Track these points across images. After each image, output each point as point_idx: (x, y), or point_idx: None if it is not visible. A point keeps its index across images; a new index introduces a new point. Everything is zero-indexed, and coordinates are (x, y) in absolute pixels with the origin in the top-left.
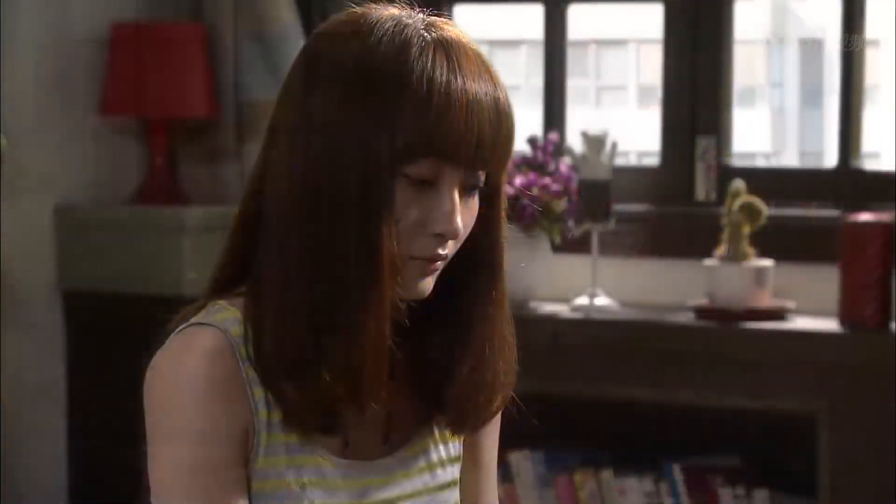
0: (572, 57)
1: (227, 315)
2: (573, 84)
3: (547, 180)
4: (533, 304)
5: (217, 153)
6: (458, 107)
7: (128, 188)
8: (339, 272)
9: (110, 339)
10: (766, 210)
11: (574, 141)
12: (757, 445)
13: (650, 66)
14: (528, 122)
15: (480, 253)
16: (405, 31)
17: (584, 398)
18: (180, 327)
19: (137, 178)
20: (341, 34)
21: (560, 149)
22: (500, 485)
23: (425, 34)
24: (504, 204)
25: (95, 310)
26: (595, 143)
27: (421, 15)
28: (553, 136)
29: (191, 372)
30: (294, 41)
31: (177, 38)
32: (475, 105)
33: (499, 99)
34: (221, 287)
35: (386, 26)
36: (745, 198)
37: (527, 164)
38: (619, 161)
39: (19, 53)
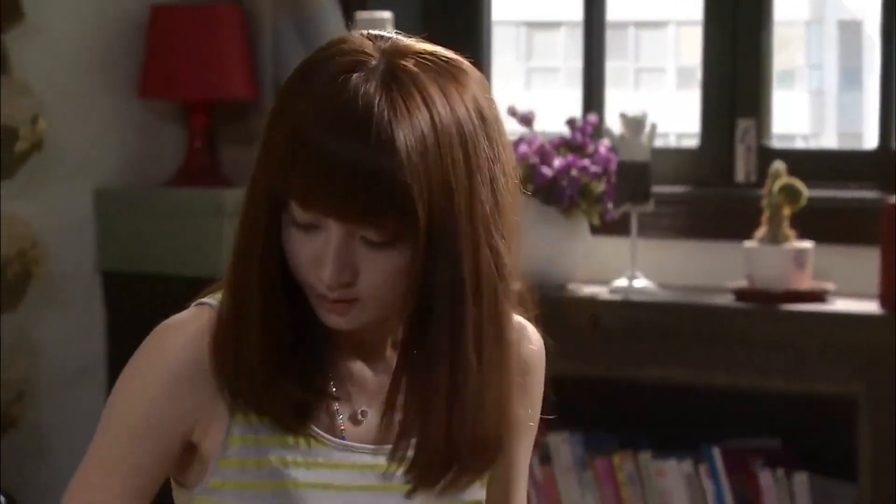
0: (611, 38)
1: None
2: (612, 65)
3: (586, 162)
4: (572, 287)
5: (256, 135)
6: (316, 157)
7: (167, 171)
8: (238, 278)
9: (150, 320)
10: (806, 192)
11: (613, 122)
12: (797, 428)
13: (689, 47)
14: (567, 104)
15: (435, 311)
16: (343, 66)
17: (622, 380)
18: (194, 302)
19: (177, 161)
20: (306, 61)
21: (599, 130)
22: (539, 466)
23: (370, 73)
24: (469, 266)
25: (135, 292)
26: (634, 124)
27: (397, 47)
28: (592, 117)
29: (175, 348)
30: (332, 23)
31: (215, 20)
32: (332, 159)
33: (375, 156)
34: None
35: (335, 62)
36: (786, 179)
37: (566, 145)
38: (659, 142)
39: (59, 37)
